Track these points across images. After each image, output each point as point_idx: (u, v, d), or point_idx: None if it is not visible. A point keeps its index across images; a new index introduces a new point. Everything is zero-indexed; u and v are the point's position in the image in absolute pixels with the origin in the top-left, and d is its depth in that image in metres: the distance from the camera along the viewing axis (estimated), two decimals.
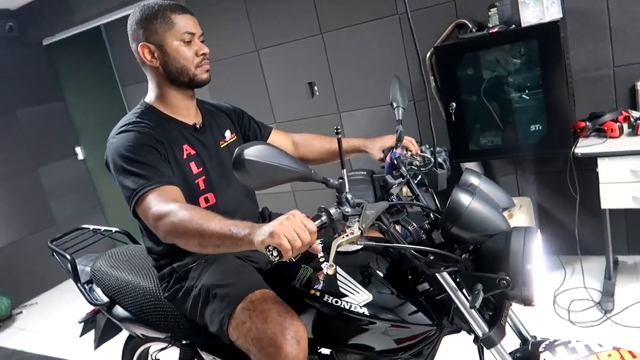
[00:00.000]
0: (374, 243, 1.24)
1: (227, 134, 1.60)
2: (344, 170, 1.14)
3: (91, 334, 1.93)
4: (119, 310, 1.72)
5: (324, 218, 1.10)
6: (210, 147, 1.50)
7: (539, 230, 1.17)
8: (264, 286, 1.38)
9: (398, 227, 1.31)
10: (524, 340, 1.34)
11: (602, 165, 2.23)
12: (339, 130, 1.13)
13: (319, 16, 3.27)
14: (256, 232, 1.03)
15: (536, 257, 1.13)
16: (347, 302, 1.28)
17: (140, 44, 1.39)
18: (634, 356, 1.16)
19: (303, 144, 1.76)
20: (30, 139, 4.37)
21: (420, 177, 3.13)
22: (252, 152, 0.96)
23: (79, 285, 1.79)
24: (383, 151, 1.60)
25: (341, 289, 1.29)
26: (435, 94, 2.91)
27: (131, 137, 1.33)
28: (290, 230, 0.99)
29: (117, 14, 3.91)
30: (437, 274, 1.20)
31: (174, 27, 1.38)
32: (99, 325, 1.89)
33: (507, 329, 1.30)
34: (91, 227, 2.02)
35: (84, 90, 4.60)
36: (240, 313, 1.30)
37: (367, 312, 1.27)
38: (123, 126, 1.37)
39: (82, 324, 1.90)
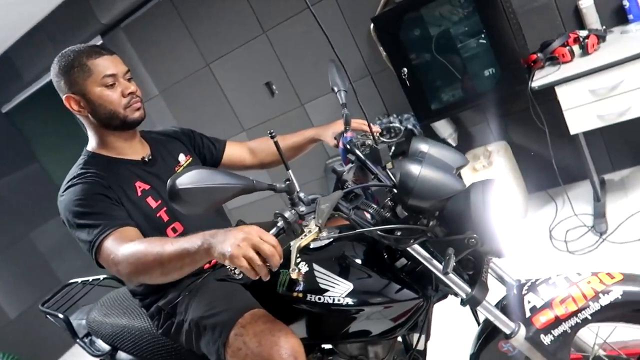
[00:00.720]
0: (335, 235, 1.24)
1: (181, 157, 1.58)
2: (289, 171, 1.13)
3: None
4: (122, 355, 1.73)
5: (280, 224, 1.10)
6: (165, 176, 1.47)
7: (495, 180, 1.18)
8: (252, 305, 1.37)
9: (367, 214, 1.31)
10: (509, 287, 1.35)
11: (561, 93, 2.22)
12: (273, 134, 1.12)
13: (258, 16, 3.24)
14: (211, 241, 1.03)
15: (497, 208, 1.14)
16: (329, 296, 1.28)
17: (65, 95, 1.37)
18: (612, 277, 1.17)
19: (259, 149, 1.76)
20: (15, 206, 4.36)
21: (394, 148, 3.14)
22: (184, 180, 0.95)
23: (78, 340, 1.80)
24: (335, 137, 1.59)
25: (321, 285, 1.30)
26: (388, 63, 2.90)
27: (78, 190, 1.32)
28: (248, 249, 0.99)
29: None
30: (407, 248, 1.20)
31: (92, 74, 1.36)
32: None
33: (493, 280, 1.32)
34: (79, 280, 2.02)
35: (57, 145, 4.56)
36: (234, 340, 1.29)
37: (350, 302, 1.27)
38: (69, 181, 1.36)
39: None
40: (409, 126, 2.99)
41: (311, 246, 1.36)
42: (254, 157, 1.76)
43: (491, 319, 1.21)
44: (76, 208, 1.29)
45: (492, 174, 2.79)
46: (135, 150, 1.50)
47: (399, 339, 1.52)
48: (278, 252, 1.02)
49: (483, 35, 2.35)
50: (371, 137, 1.55)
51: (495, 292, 1.28)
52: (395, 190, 1.30)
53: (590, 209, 2.62)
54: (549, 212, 2.78)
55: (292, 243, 1.06)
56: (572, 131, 2.30)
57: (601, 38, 2.34)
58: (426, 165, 1.14)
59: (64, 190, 1.35)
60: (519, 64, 2.32)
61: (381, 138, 1.43)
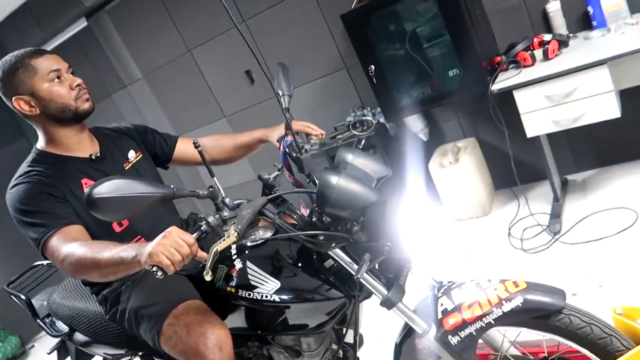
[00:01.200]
0: (262, 238, 1.32)
1: (131, 154, 1.65)
2: (214, 178, 1.21)
3: None
4: (79, 336, 1.84)
5: (203, 227, 1.18)
6: (113, 172, 1.54)
7: (406, 195, 1.25)
8: (188, 297, 1.47)
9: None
10: (430, 289, 1.42)
11: (518, 97, 2.28)
12: (197, 145, 1.19)
13: (238, 6, 3.27)
14: (142, 252, 1.12)
15: (408, 220, 1.22)
16: (258, 293, 1.37)
17: (14, 98, 1.42)
18: (516, 285, 1.25)
19: (210, 146, 1.82)
20: (4, 182, 4.44)
21: (363, 141, 3.18)
22: (102, 189, 1.02)
23: (38, 321, 1.91)
24: (278, 140, 1.66)
25: (251, 282, 1.38)
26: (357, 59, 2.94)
27: (23, 189, 1.39)
28: (168, 248, 1.08)
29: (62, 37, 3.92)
30: (329, 252, 1.28)
31: (38, 72, 1.41)
32: (72, 353, 2.01)
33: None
34: (44, 262, 2.11)
35: None
36: (167, 329, 1.40)
37: (277, 299, 1.35)
38: (16, 179, 1.43)
39: (56, 352, 2.03)
40: (382, 120, 3.05)
41: (248, 244, 1.45)
42: (206, 154, 1.82)
43: (405, 319, 1.30)
44: (22, 207, 1.37)
45: (458, 170, 2.87)
46: (84, 146, 1.55)
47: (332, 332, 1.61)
48: (193, 251, 1.11)
49: (447, 37, 2.39)
50: (316, 140, 1.60)
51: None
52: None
53: (549, 208, 2.69)
54: (512, 210, 2.86)
55: (212, 247, 1.13)
56: (529, 134, 2.36)
57: (563, 43, 2.38)
58: (345, 176, 1.21)
59: (11, 188, 1.41)
60: (481, 66, 2.37)
61: (308, 147, 1.48)
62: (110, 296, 1.55)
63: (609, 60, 2.06)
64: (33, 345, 4.28)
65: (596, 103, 2.14)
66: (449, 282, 1.37)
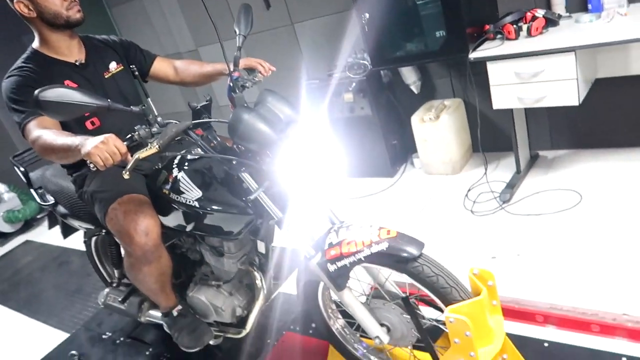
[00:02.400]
0: (182, 153, 1.58)
1: (112, 65, 1.90)
2: (149, 98, 1.46)
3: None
4: (60, 208, 2.21)
5: (135, 137, 1.44)
6: (93, 79, 1.81)
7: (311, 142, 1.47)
8: (135, 191, 1.77)
9: None
10: (331, 224, 1.67)
11: (491, 69, 2.37)
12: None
13: None
14: (84, 144, 1.38)
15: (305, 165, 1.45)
16: (184, 198, 1.66)
17: (15, 1, 1.67)
18: (388, 233, 1.47)
19: (181, 69, 2.04)
20: None
21: (354, 84, 3.31)
22: (47, 94, 1.26)
23: (32, 190, 2.28)
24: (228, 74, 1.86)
25: (180, 188, 1.67)
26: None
27: (14, 81, 1.68)
28: (103, 152, 1.34)
29: None
30: (239, 174, 1.53)
31: None
32: (60, 222, 2.41)
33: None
34: None
35: None
36: (111, 212, 1.74)
37: (197, 205, 1.65)
38: (11, 71, 1.71)
39: (47, 218, 2.43)
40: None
41: (188, 157, 1.73)
42: (177, 75, 2.05)
43: (295, 241, 1.57)
44: (11, 95, 1.67)
45: (435, 127, 3.01)
46: (72, 52, 1.81)
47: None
48: (122, 156, 1.36)
49: None
50: (256, 79, 1.80)
51: None
52: None
53: (509, 178, 2.83)
54: (479, 174, 3.01)
55: (135, 154, 1.40)
56: (495, 106, 2.47)
57: (552, 22, 2.41)
58: (255, 115, 1.43)
59: (6, 78, 1.71)
60: (464, 33, 2.44)
61: (249, 84, 1.69)
62: (77, 179, 1.89)
63: (578, 49, 2.12)
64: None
65: (558, 88, 2.23)
66: (341, 222, 1.62)
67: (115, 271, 2.36)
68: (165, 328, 2.04)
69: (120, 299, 2.26)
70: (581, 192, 2.53)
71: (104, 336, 2.68)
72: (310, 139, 1.46)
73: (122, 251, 2.20)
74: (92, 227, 2.16)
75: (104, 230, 2.13)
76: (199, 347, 1.95)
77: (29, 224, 4.71)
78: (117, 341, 2.60)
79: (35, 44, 1.80)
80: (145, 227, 1.68)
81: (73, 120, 1.73)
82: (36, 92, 1.28)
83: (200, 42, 4.18)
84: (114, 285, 2.40)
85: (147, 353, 2.43)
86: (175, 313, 1.96)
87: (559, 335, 1.82)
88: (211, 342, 2.02)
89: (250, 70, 1.90)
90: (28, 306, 3.34)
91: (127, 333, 2.63)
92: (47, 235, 4.44)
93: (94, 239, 2.45)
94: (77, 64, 1.81)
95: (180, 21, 4.19)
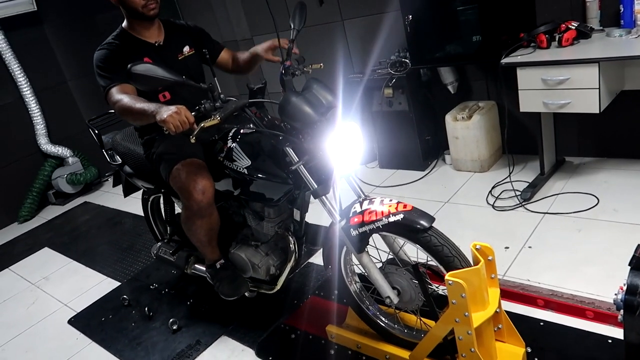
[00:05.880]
0: (235, 127, 1.88)
1: (186, 49, 2.21)
2: (215, 77, 1.74)
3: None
4: (127, 169, 2.56)
5: (201, 109, 1.73)
6: (168, 59, 2.12)
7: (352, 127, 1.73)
8: (195, 156, 2.08)
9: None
10: (359, 196, 1.92)
11: (520, 74, 2.55)
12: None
13: None
14: (159, 111, 1.68)
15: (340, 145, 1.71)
16: (235, 165, 1.96)
17: None
18: (405, 207, 1.71)
19: (236, 59, 2.34)
20: None
21: (394, 80, 3.55)
22: (138, 68, 1.58)
23: (103, 150, 2.65)
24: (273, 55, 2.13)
25: (233, 156, 1.97)
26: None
27: (103, 53, 2.02)
28: (175, 120, 1.64)
29: None
30: (284, 148, 1.81)
31: None
32: (123, 182, 2.76)
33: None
34: None
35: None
36: (174, 171, 2.05)
37: (246, 172, 1.94)
38: (102, 45, 2.05)
39: (112, 177, 2.80)
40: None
41: (241, 131, 2.02)
42: (233, 64, 2.35)
43: (325, 209, 1.84)
44: (99, 64, 2.00)
45: (467, 127, 3.21)
46: (152, 34, 2.13)
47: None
48: (190, 124, 1.66)
49: (476, 6, 2.65)
50: (304, 69, 2.05)
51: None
52: None
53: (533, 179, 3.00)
54: (504, 173, 3.18)
55: (200, 123, 1.69)
56: (522, 109, 2.65)
57: (584, 35, 2.57)
58: (301, 98, 1.70)
59: (98, 50, 2.04)
60: (498, 39, 2.63)
61: (298, 72, 1.96)
62: (147, 142, 2.22)
63: (602, 61, 2.28)
64: (107, 179, 5.31)
65: (581, 96, 2.39)
66: (366, 195, 1.88)
67: (168, 228, 2.70)
68: (208, 279, 2.35)
69: (170, 252, 2.59)
70: (599, 196, 2.68)
71: (151, 287, 3.03)
72: (343, 125, 1.72)
73: (177, 209, 2.55)
74: (152, 187, 2.49)
75: (162, 190, 2.47)
76: (236, 296, 2.25)
77: (88, 187, 5.18)
78: (163, 292, 2.95)
79: (125, 24, 2.12)
80: (203, 187, 1.99)
81: (150, 92, 2.05)
82: (129, 65, 1.59)
83: (256, 32, 4.50)
84: (165, 240, 2.75)
85: (188, 303, 2.76)
86: (218, 265, 2.27)
87: (555, 318, 2.02)
88: (246, 294, 2.32)
89: (301, 60, 2.16)
90: (85, 257, 3.76)
91: (172, 285, 2.98)
92: (104, 197, 4.91)
93: (151, 198, 2.81)
94: (156, 44, 2.13)
95: (239, 10, 4.51)
